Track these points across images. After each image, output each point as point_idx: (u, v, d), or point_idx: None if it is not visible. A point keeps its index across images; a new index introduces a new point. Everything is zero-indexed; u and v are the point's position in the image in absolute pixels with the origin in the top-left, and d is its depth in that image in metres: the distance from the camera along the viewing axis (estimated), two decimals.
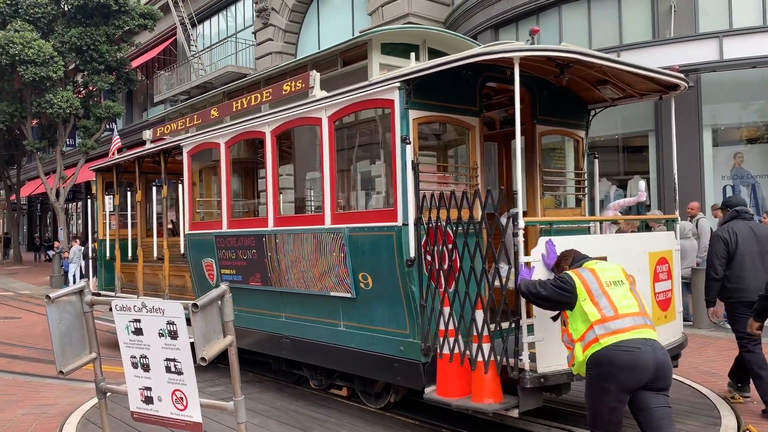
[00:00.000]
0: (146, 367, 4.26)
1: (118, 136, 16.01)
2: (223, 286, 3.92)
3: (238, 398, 3.98)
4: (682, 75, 5.93)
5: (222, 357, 4.24)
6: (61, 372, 4.29)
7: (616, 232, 6.00)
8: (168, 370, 4.14)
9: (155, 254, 9.16)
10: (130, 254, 9.80)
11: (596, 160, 7.11)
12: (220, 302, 3.92)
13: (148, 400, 4.31)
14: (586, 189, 6.92)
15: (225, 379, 7.21)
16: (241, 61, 24.16)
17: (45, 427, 5.81)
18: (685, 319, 9.95)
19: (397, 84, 5.28)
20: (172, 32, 27.64)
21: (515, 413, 4.62)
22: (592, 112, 6.97)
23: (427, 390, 5.05)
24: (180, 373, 4.09)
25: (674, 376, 6.95)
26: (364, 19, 19.51)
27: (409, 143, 5.22)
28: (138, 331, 4.24)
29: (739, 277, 5.96)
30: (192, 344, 3.85)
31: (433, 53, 6.70)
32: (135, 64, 27.03)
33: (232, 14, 25.99)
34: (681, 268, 9.75)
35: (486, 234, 4.88)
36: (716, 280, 6.04)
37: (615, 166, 15.73)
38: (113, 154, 12.57)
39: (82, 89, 25.52)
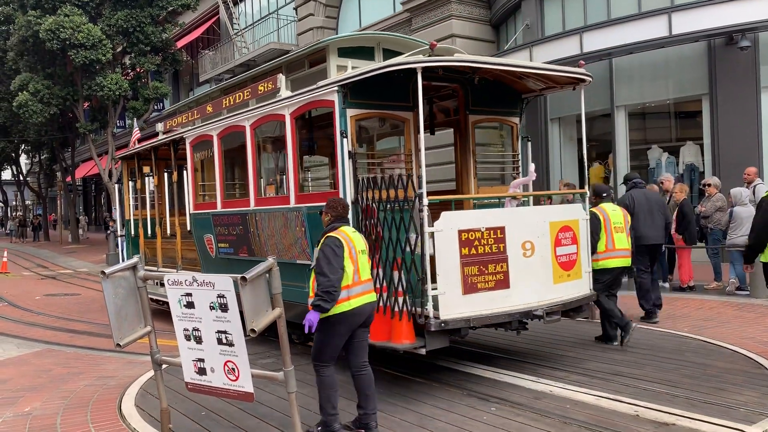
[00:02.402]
0: (199, 340, 4.37)
1: (137, 128, 17.77)
2: (270, 260, 3.98)
3: (288, 368, 4.06)
4: (583, 70, 6.77)
5: (272, 330, 4.32)
6: (118, 345, 4.44)
7: (517, 206, 7.11)
8: (220, 341, 4.25)
9: (168, 232, 10.37)
10: (149, 232, 11.09)
11: (529, 143, 8.12)
12: (267, 275, 3.98)
13: (202, 371, 4.43)
14: (520, 168, 7.90)
15: (276, 352, 7.35)
16: (283, 38, 24.21)
17: (106, 398, 6.04)
18: (741, 289, 9.72)
19: (336, 87, 6.24)
20: (215, 11, 27.86)
21: (423, 351, 5.53)
22: (526, 101, 7.86)
23: None
24: (231, 344, 4.19)
25: (730, 346, 6.85)
26: None
27: (347, 137, 6.19)
28: (190, 305, 4.35)
29: (636, 228, 8.02)
30: (242, 316, 3.93)
31: (388, 53, 7.70)
32: (180, 44, 27.38)
33: None
34: (737, 237, 9.55)
35: (425, 210, 5.55)
36: None
37: (666, 132, 15.26)
38: (134, 144, 13.47)
39: (129, 71, 26.03)
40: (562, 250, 6.28)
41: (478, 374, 6.21)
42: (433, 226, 5.53)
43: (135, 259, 4.67)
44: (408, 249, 5.55)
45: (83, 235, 38.14)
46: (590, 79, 6.82)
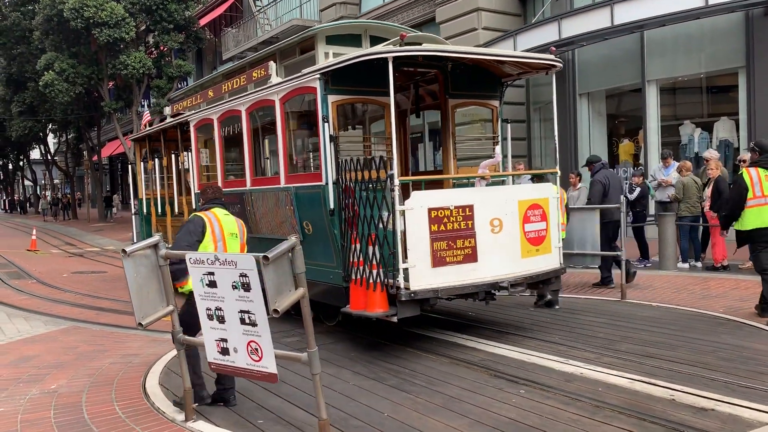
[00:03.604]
0: (221, 319, 4.29)
1: (147, 111, 18.13)
2: (293, 239, 3.85)
3: (311, 349, 3.96)
4: (553, 57, 7.07)
5: (297, 306, 4.21)
6: (140, 324, 4.38)
7: (487, 185, 7.61)
8: (242, 321, 4.16)
9: (176, 210, 10.92)
10: (159, 210, 11.60)
11: (509, 125, 8.34)
12: (290, 254, 3.86)
13: (225, 351, 4.35)
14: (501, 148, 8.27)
15: (300, 329, 7.26)
16: (306, 14, 23.95)
17: (131, 376, 6.02)
18: None
19: (317, 75, 6.64)
20: None
21: (395, 319, 6.00)
22: (506, 84, 8.23)
23: (346, 307, 6.39)
24: (254, 324, 4.09)
25: (758, 325, 6.61)
26: None
27: (328, 121, 6.59)
28: (212, 284, 4.26)
29: (609, 204, 9.20)
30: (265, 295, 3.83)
31: (375, 40, 8.09)
32: (203, 22, 27.27)
33: None
34: None
35: (397, 189, 5.91)
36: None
37: (699, 107, 14.79)
38: (144, 126, 13.95)
39: (153, 50, 26.00)
40: (531, 226, 6.68)
41: (504, 354, 6.08)
42: (404, 204, 5.93)
43: (156, 237, 4.59)
44: (381, 225, 5.96)
45: (117, 213, 38.50)
46: (560, 65, 7.19)
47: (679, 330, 6.69)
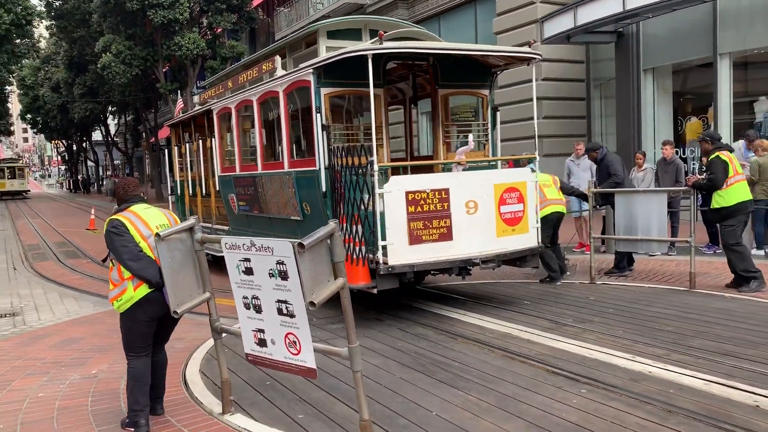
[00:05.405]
0: (258, 309, 4.03)
1: (181, 99, 18.97)
2: (332, 224, 3.53)
3: (353, 345, 3.65)
4: (530, 49, 7.59)
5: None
6: (174, 312, 4.15)
7: (464, 170, 7.99)
8: (280, 312, 3.88)
9: (204, 191, 11.75)
10: (191, 191, 12.46)
11: (498, 113, 8.78)
12: (329, 241, 3.54)
13: (262, 343, 4.10)
14: (489, 135, 8.70)
15: None
16: None
17: (172, 362, 5.75)
18: None
19: (311, 69, 7.18)
20: None
21: (374, 291, 6.58)
22: (496, 73, 8.65)
23: None
24: (292, 315, 3.81)
25: None
26: None
27: (321, 112, 7.10)
28: (248, 271, 4.00)
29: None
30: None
31: (374, 34, 8.09)
32: (255, 2, 27.18)
33: None
34: None
35: (376, 174, 6.40)
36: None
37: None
38: (178, 113, 14.48)
39: (207, 31, 26.07)
40: (507, 208, 7.13)
41: (563, 348, 5.64)
42: (383, 188, 6.39)
43: (192, 220, 4.34)
44: (363, 207, 6.47)
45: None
46: (539, 57, 7.64)
47: (758, 325, 6.10)
